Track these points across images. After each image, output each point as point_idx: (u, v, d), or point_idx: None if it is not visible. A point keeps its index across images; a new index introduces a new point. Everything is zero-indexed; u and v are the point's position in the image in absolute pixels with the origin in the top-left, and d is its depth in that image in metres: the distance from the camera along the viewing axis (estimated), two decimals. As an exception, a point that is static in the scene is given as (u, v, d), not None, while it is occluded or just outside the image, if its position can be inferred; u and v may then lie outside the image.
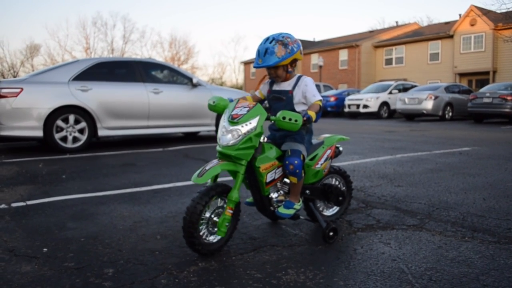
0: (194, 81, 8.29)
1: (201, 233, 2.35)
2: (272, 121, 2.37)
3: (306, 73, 33.09)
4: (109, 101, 7.24)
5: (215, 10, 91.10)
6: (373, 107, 19.14)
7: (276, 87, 2.70)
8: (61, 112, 6.77)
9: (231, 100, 2.58)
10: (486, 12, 24.34)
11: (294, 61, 2.61)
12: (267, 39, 2.50)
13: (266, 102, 2.82)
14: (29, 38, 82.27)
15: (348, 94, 21.60)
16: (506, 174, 4.83)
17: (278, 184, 2.63)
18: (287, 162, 2.47)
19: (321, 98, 2.58)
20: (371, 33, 38.65)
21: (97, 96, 7.11)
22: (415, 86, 20.42)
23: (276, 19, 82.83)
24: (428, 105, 16.48)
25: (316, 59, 34.79)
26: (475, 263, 2.27)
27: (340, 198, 2.87)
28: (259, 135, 2.35)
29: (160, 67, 8.66)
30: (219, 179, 2.58)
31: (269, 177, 2.48)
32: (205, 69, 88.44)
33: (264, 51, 2.47)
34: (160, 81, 8.16)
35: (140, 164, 5.66)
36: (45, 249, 2.51)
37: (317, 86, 23.55)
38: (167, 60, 54.44)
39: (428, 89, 17.45)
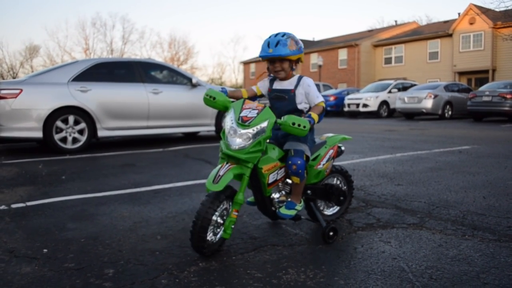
0: (194, 81, 8.29)
1: (208, 238, 2.33)
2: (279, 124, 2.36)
3: (306, 73, 33.08)
4: (109, 101, 7.24)
5: (214, 10, 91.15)
6: (373, 106, 19.15)
7: (277, 86, 2.70)
8: (61, 113, 6.76)
9: (225, 92, 2.57)
10: (485, 11, 24.39)
11: (298, 61, 2.65)
12: (278, 33, 2.54)
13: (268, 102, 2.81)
14: (29, 39, 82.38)
15: (348, 94, 21.60)
16: (506, 172, 4.83)
17: (280, 184, 2.62)
18: (290, 162, 2.47)
19: (323, 99, 2.59)
20: (370, 32, 38.64)
21: (97, 97, 7.10)
22: (415, 85, 20.43)
23: (276, 19, 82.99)
24: (428, 104, 16.49)
25: (315, 59, 34.76)
26: (475, 261, 2.27)
27: (341, 198, 2.86)
28: (267, 138, 2.34)
29: (160, 67, 8.66)
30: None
31: (271, 178, 2.47)
32: (204, 69, 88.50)
33: (275, 42, 2.49)
34: (160, 82, 8.15)
35: (140, 165, 5.66)
36: (45, 250, 2.51)
37: (317, 86, 23.26)
38: (166, 60, 54.45)
39: (427, 88, 17.46)
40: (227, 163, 2.34)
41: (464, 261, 2.27)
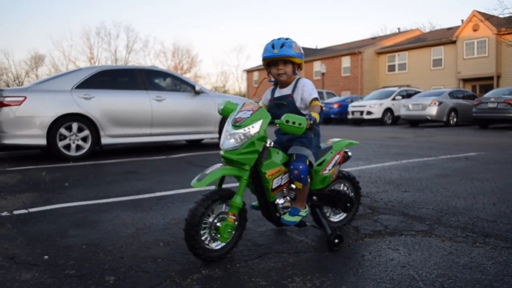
0: (197, 88, 8.26)
1: (203, 238, 2.30)
2: (278, 126, 2.32)
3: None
4: (112, 109, 7.21)
5: (217, 19, 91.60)
6: (377, 113, 19.07)
7: (277, 94, 2.67)
8: (64, 120, 6.74)
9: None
10: (488, 17, 24.30)
11: (299, 66, 2.61)
12: (281, 38, 2.53)
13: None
14: (34, 48, 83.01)
15: (352, 101, 21.53)
16: (514, 178, 4.75)
17: (284, 190, 2.56)
18: (292, 167, 2.41)
19: (317, 96, 2.52)
20: (374, 40, 38.66)
21: (100, 104, 7.08)
22: (419, 92, 20.35)
23: (278, 27, 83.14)
24: (432, 111, 16.39)
25: (318, 67, 34.81)
26: (488, 269, 2.20)
27: (348, 205, 2.80)
28: (262, 139, 2.30)
29: (163, 74, 8.64)
30: (227, 185, 2.52)
31: (275, 183, 2.42)
32: (208, 78, 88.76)
33: (281, 44, 2.48)
34: (163, 89, 8.13)
35: (143, 172, 5.61)
36: (46, 257, 2.46)
37: (320, 93, 23.50)
38: (170, 69, 54.64)
39: (432, 95, 17.36)
40: (224, 164, 2.33)
41: (476, 269, 2.20)
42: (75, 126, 6.83)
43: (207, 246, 2.32)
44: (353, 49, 34.88)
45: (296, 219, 2.51)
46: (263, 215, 2.61)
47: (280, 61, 2.53)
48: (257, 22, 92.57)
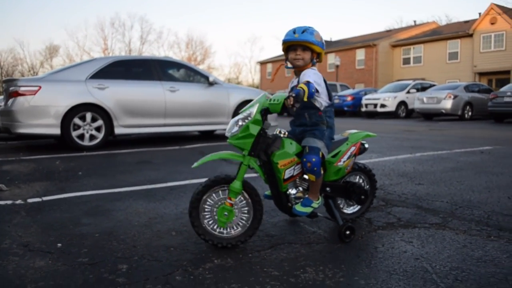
0: (211, 79, 8.26)
1: (206, 220, 2.38)
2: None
3: (323, 73, 32.44)
4: (126, 99, 7.25)
5: (231, 10, 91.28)
6: (391, 106, 18.88)
7: (291, 84, 2.65)
8: (78, 110, 6.79)
9: None
10: (506, 10, 23.88)
11: (319, 56, 2.59)
12: (304, 26, 2.52)
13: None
14: (49, 39, 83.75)
15: (365, 94, 21.33)
16: (531, 173, 4.67)
17: (297, 180, 2.55)
18: (304, 159, 2.40)
19: (312, 80, 2.37)
20: (389, 33, 38.20)
21: (114, 94, 7.12)
22: (434, 85, 20.07)
23: (293, 20, 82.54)
24: (447, 104, 16.17)
25: (332, 59, 34.53)
26: (502, 262, 2.17)
27: (363, 197, 2.77)
28: (256, 122, 2.31)
29: (177, 65, 8.65)
30: (247, 176, 2.52)
31: (287, 174, 2.41)
32: (221, 69, 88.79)
33: (302, 30, 2.48)
34: (177, 80, 8.14)
35: (156, 162, 5.64)
36: (59, 245, 2.48)
37: (334, 86, 23.37)
38: (184, 60, 54.77)
39: (447, 88, 17.11)
40: None
41: (491, 263, 2.17)
42: (89, 116, 6.89)
43: (211, 230, 2.40)
44: (368, 42, 34.53)
45: (308, 210, 2.50)
46: (275, 204, 2.61)
47: (299, 47, 2.49)
48: (271, 14, 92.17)
